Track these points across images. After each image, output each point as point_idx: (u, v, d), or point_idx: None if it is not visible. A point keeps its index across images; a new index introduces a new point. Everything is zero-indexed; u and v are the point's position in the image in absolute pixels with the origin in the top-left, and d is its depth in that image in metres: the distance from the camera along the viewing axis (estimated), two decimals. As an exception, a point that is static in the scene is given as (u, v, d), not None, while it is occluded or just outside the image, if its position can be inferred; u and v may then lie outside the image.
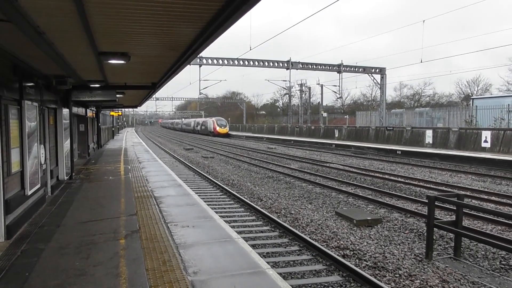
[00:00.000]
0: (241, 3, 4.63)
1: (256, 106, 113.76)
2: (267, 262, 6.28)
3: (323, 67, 45.86)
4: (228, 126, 71.29)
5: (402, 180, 18.16)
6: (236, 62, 40.62)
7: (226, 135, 67.93)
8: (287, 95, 70.12)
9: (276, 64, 42.96)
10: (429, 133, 31.30)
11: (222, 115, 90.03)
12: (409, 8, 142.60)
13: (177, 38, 6.68)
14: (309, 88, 66.83)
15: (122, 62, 8.25)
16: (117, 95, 15.52)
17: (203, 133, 76.42)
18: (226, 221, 9.24)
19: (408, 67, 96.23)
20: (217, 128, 68.81)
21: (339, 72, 46.24)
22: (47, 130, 11.30)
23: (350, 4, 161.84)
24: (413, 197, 14.11)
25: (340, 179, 18.48)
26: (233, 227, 9.40)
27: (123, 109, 53.15)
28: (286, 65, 43.33)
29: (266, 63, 42.27)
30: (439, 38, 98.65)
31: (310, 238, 9.30)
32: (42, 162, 10.12)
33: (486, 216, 11.09)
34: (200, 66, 41.01)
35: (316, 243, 8.70)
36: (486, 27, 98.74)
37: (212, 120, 72.48)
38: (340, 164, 24.57)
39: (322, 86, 57.80)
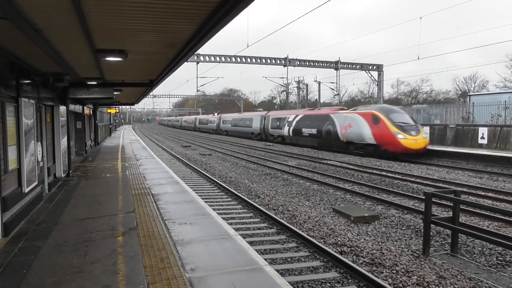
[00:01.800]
0: (239, 0, 4.63)
1: (253, 103, 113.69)
2: (265, 259, 6.29)
3: (321, 64, 45.83)
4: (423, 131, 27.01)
5: (399, 176, 18.20)
6: (233, 59, 40.55)
7: (422, 152, 26.02)
8: (285, 92, 70.07)
9: (273, 61, 42.90)
10: (426, 130, 31.29)
11: (221, 112, 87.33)
12: (406, 5, 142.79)
13: (175, 35, 6.67)
14: (307, 85, 66.91)
15: (119, 59, 8.23)
16: (114, 92, 15.50)
17: (321, 144, 34.07)
18: (223, 218, 9.26)
19: (405, 64, 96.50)
20: (399, 136, 25.48)
21: (336, 69, 46.19)
22: (44, 128, 11.28)
23: (347, 2, 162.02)
24: (410, 194, 14.15)
25: (337, 176, 18.52)
26: (230, 224, 9.41)
27: (120, 107, 53.10)
28: (283, 62, 43.28)
29: (264, 60, 42.20)
30: (435, 36, 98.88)
31: (307, 235, 9.31)
32: (39, 160, 10.10)
33: (483, 213, 11.13)
34: (197, 63, 40.92)
35: (313, 240, 8.72)
36: (479, 25, 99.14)
37: (384, 117, 26.87)
38: (338, 161, 24.59)
39: (319, 83, 57.76)
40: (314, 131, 34.83)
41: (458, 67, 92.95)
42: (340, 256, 7.73)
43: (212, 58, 40.19)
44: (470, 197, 13.81)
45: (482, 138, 26.35)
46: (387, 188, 15.22)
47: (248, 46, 32.40)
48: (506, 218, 10.49)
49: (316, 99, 64.86)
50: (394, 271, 7.36)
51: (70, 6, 4.74)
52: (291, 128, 39.02)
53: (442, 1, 38.87)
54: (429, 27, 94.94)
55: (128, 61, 8.84)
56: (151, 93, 57.78)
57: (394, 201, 12.90)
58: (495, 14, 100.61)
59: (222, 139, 52.60)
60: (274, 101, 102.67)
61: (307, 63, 44.94)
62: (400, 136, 25.25)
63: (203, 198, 11.40)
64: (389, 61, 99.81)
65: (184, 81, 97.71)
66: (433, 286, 6.73)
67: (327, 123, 32.66)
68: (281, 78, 60.26)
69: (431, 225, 8.44)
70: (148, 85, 14.71)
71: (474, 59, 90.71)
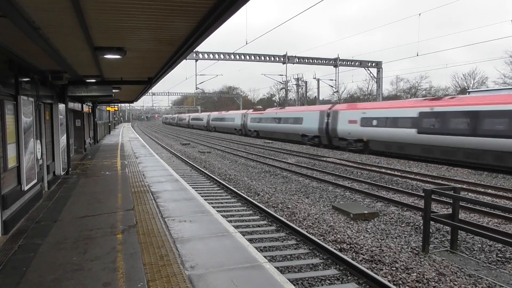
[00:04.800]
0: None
1: (252, 100, 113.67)
2: (264, 256, 6.30)
3: (320, 61, 45.72)
4: None
5: (399, 173, 18.21)
6: (232, 56, 40.42)
7: None
8: (284, 90, 69.83)
9: (272, 58, 42.77)
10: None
11: (219, 110, 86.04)
12: (403, 2, 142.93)
13: (173, 32, 6.66)
14: (306, 82, 66.72)
15: (118, 57, 8.22)
16: (113, 90, 15.48)
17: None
18: (223, 216, 9.25)
19: (404, 61, 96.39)
20: None
21: (335, 66, 46.10)
22: (43, 126, 11.26)
23: (344, 2, 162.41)
24: (409, 191, 14.16)
25: (336, 173, 18.52)
26: (230, 221, 9.41)
27: (119, 104, 53.02)
28: (282, 59, 43.14)
29: (263, 58, 42.07)
30: (433, 33, 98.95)
31: (307, 232, 9.32)
32: (39, 157, 10.08)
33: (483, 209, 11.15)
34: (196, 61, 40.75)
35: (313, 237, 8.73)
36: (475, 23, 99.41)
37: None
38: (337, 158, 24.60)
39: (318, 80, 57.70)
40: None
41: (457, 63, 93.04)
42: (339, 253, 7.74)
43: (211, 56, 40.09)
44: (469, 194, 13.82)
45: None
46: (387, 185, 15.22)
47: (247, 43, 32.31)
48: (506, 215, 10.51)
49: (315, 96, 64.83)
50: (394, 268, 7.37)
51: (69, 4, 4.73)
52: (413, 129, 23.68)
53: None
54: (427, 24, 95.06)
55: (127, 59, 8.82)
56: (150, 91, 57.64)
57: (393, 198, 12.91)
58: (489, 12, 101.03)
59: (221, 136, 52.53)
60: (273, 98, 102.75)
61: (306, 60, 44.83)
62: None
63: (202, 196, 11.40)
64: (388, 59, 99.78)
65: (183, 79, 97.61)
66: (433, 283, 6.74)
67: None
68: (280, 75, 60.12)
69: (431, 222, 8.45)
70: (147, 83, 14.69)
71: (472, 56, 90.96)
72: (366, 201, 12.94)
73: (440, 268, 7.37)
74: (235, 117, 58.09)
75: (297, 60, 43.92)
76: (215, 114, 72.79)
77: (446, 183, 15.70)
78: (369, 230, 9.87)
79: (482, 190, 14.31)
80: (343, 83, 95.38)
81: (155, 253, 6.10)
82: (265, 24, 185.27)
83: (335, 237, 9.17)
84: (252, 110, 54.76)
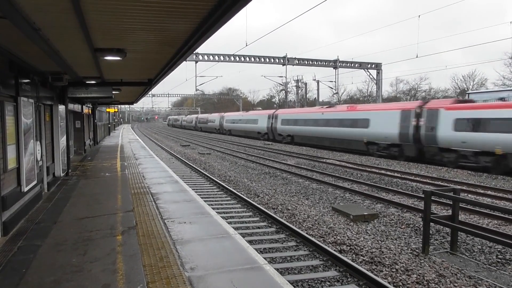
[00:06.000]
0: (237, -1, 4.62)
1: (252, 102, 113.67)
2: (264, 258, 6.29)
3: (319, 63, 45.75)
4: None
5: (399, 175, 18.21)
6: (232, 58, 40.44)
7: None
8: (284, 91, 69.93)
9: (272, 60, 42.79)
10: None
11: (219, 111, 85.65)
12: (404, 4, 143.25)
13: (173, 34, 6.66)
14: (305, 84, 66.79)
15: (118, 58, 8.22)
16: (113, 92, 15.47)
17: None
18: (223, 217, 9.25)
19: (404, 62, 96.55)
20: None
21: (335, 67, 46.13)
22: (43, 127, 11.26)
23: (344, 6, 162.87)
24: (409, 192, 14.16)
25: (336, 174, 18.52)
26: (230, 223, 9.40)
27: (119, 106, 53.02)
28: (282, 61, 43.18)
29: (263, 59, 42.10)
30: (432, 35, 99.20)
31: (307, 233, 9.32)
32: (38, 159, 10.08)
33: (483, 211, 11.15)
34: (196, 63, 40.80)
35: (313, 239, 8.72)
36: (474, 24, 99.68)
37: None
38: (337, 160, 24.60)
39: (318, 82, 57.78)
40: None
41: (456, 65, 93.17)
42: (339, 255, 7.74)
43: (211, 57, 40.10)
44: (469, 195, 13.82)
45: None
46: (386, 187, 15.22)
47: (246, 45, 32.27)
48: (506, 216, 10.51)
49: (315, 98, 64.85)
50: (394, 270, 7.36)
51: (69, 5, 4.73)
52: None
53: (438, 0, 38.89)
54: (426, 26, 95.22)
55: (127, 60, 8.83)
56: (150, 92, 57.55)
57: (393, 200, 12.91)
58: (488, 14, 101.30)
59: (221, 138, 52.47)
60: (273, 100, 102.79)
61: (306, 62, 44.86)
62: None
63: (202, 197, 11.39)
64: (388, 60, 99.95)
65: (183, 80, 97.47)
66: (433, 285, 6.74)
67: None
68: (280, 77, 60.21)
69: (431, 223, 8.45)
70: (147, 84, 14.69)
71: (471, 58, 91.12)
72: (366, 202, 12.94)
73: (440, 269, 7.37)
74: (357, 116, 29.28)
75: (296, 61, 43.95)
76: (285, 112, 43.35)
77: (446, 184, 15.70)
78: (369, 232, 9.86)
79: (482, 191, 14.31)
80: (343, 85, 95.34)
81: (155, 254, 6.09)
82: (265, 26, 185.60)
83: (335, 238, 9.17)
84: (435, 102, 25.31)
